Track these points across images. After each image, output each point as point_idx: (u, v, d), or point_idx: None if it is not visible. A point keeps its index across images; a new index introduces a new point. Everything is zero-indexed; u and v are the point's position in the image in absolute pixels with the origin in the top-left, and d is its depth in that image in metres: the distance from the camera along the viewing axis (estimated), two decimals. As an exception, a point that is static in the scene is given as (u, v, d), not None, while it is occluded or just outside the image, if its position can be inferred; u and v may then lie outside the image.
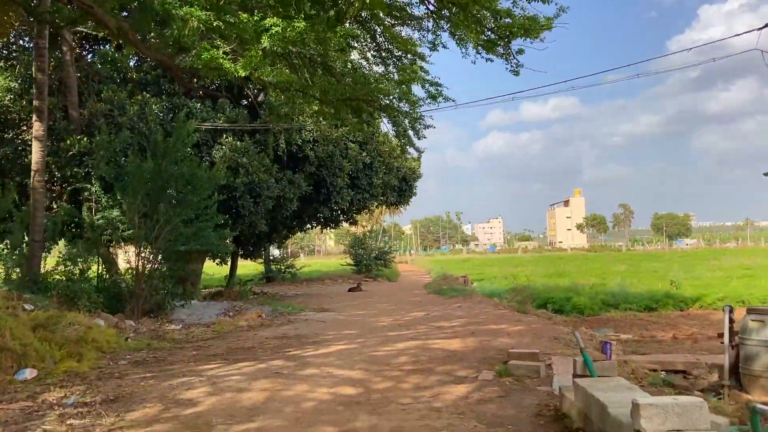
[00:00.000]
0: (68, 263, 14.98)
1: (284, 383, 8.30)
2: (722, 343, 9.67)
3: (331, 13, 8.60)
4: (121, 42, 15.31)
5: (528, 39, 9.81)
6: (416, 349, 10.94)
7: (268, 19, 8.14)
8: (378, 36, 11.60)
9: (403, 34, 11.88)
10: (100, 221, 15.97)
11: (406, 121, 12.47)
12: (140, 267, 15.98)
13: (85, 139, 16.74)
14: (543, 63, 13.63)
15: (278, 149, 19.76)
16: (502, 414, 6.68)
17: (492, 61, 10.60)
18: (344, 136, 22.07)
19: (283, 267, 38.21)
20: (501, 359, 9.69)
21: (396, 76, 12.13)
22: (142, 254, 16.08)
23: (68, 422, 6.45)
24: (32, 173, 15.04)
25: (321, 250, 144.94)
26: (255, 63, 8.64)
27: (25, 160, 17.39)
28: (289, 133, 19.90)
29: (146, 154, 16.30)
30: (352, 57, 12.70)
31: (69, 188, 17.84)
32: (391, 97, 11.32)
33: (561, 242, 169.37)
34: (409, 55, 11.83)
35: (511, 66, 10.53)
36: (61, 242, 18.99)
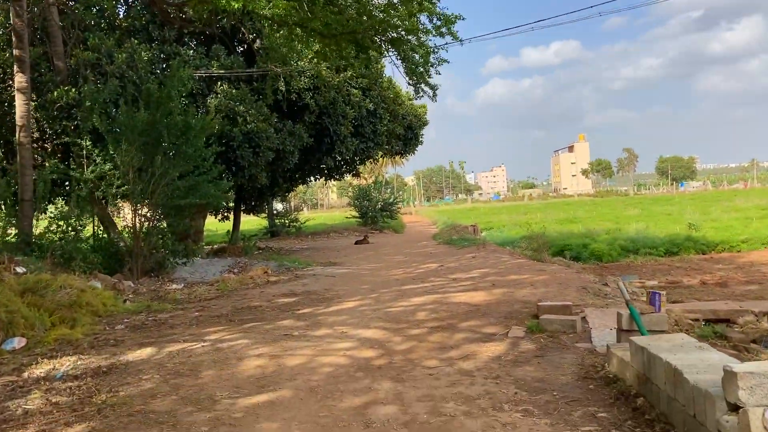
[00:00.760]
0: (61, 222, 14.14)
1: (295, 347, 7.54)
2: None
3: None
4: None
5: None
6: (435, 304, 10.18)
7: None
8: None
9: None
10: (92, 176, 15.07)
11: (417, 56, 11.37)
12: (138, 224, 15.18)
13: (73, 90, 15.69)
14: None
15: (277, 95, 18.65)
16: (542, 377, 5.91)
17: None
18: (346, 81, 20.95)
19: (287, 221, 37.48)
20: (529, 313, 8.93)
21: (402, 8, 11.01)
22: (139, 211, 15.26)
23: (54, 400, 5.69)
24: (17, 129, 14.06)
25: (324, 203, 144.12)
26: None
27: (13, 116, 16.38)
28: (288, 80, 18.77)
29: (138, 105, 15.31)
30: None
31: (58, 143, 16.86)
32: (400, 30, 10.22)
33: (566, 188, 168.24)
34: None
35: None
36: (60, 202, 18.14)
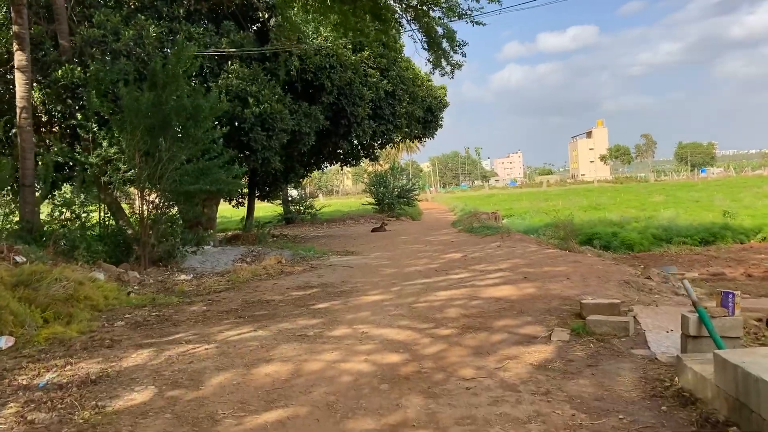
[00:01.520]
0: (63, 209, 13.39)
1: (310, 349, 6.69)
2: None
3: None
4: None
5: None
6: (464, 299, 9.28)
7: None
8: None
9: None
10: (96, 160, 14.29)
11: (440, 29, 10.36)
12: (145, 211, 14.40)
13: (78, 69, 14.88)
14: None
15: (290, 73, 17.70)
16: (601, 394, 5.00)
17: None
18: (363, 62, 19.96)
19: (302, 208, 36.69)
20: (570, 311, 8.02)
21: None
22: (147, 197, 14.48)
23: (30, 417, 4.88)
24: (17, 110, 13.27)
25: (339, 190, 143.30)
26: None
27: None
28: (303, 58, 17.82)
29: (143, 84, 14.49)
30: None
31: (65, 126, 16.07)
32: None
33: (584, 175, 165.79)
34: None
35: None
36: (68, 189, 17.40)
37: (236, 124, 16.88)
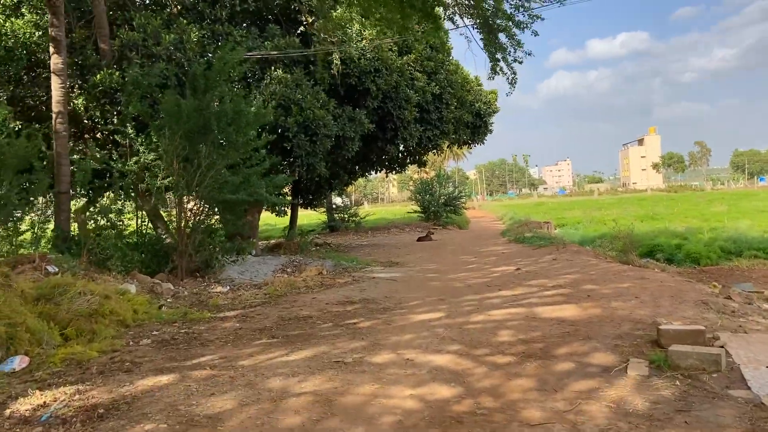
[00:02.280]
0: (98, 217, 12.96)
1: (348, 380, 5.87)
2: None
3: None
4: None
5: None
6: (520, 320, 8.34)
7: None
8: None
9: None
10: (134, 167, 13.83)
11: (499, 21, 9.45)
12: (182, 220, 13.87)
13: (116, 73, 14.50)
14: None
15: (334, 74, 17.03)
16: (703, 452, 4.03)
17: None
18: (409, 65, 19.16)
19: (346, 216, 36.11)
20: (645, 337, 7.01)
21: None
22: (185, 205, 13.96)
23: (21, 461, 4.20)
24: (53, 115, 12.91)
25: (384, 197, 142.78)
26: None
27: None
28: (347, 62, 17.13)
29: (184, 89, 14.01)
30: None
31: (103, 132, 15.73)
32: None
33: (635, 183, 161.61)
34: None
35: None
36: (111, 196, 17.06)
37: (279, 131, 16.28)
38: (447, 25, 11.30)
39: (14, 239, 12.78)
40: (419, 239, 25.97)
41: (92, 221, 13.07)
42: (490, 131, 26.39)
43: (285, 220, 27.53)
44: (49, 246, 12.86)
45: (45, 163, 13.43)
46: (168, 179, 13.83)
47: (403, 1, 8.68)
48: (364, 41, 17.28)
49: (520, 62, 11.02)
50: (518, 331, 7.70)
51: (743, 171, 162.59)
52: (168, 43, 15.08)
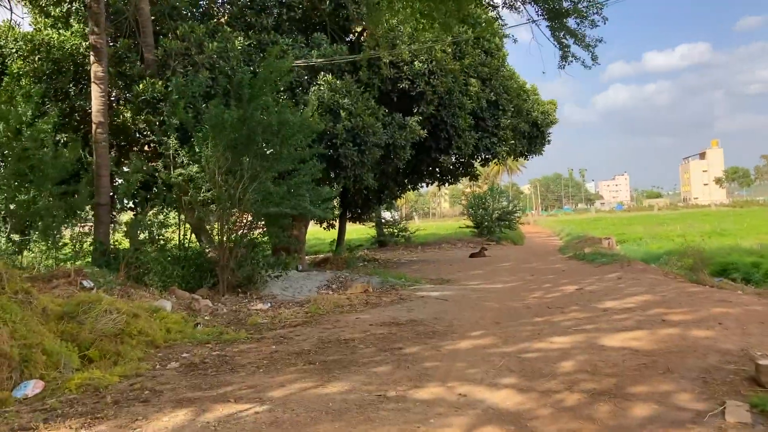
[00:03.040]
0: (139, 231, 12.54)
1: (388, 420, 5.04)
2: None
3: None
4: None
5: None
6: (585, 349, 7.33)
7: None
8: None
9: None
10: (178, 179, 13.41)
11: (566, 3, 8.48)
12: (225, 233, 13.35)
13: (159, 82, 14.17)
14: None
15: (384, 78, 16.34)
16: None
17: None
18: (464, 70, 18.34)
19: (396, 230, 35.34)
20: (738, 372, 5.98)
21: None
22: (227, 218, 13.44)
23: None
24: (93, 125, 12.60)
25: (436, 212, 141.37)
26: None
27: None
28: (398, 66, 16.43)
29: (229, 99, 13.55)
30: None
31: (146, 142, 15.43)
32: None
33: (697, 198, 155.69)
34: None
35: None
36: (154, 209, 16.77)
37: (327, 141, 15.65)
38: (508, 14, 10.44)
39: (55, 252, 12.51)
40: (472, 255, 24.95)
41: (133, 235, 12.64)
42: (549, 142, 25.21)
43: (333, 234, 26.98)
44: (88, 260, 12.52)
45: (89, 174, 13.16)
46: (211, 191, 13.36)
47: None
48: (417, 44, 16.58)
49: (597, 44, 9.91)
50: (585, 361, 6.71)
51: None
52: (211, 51, 14.70)
